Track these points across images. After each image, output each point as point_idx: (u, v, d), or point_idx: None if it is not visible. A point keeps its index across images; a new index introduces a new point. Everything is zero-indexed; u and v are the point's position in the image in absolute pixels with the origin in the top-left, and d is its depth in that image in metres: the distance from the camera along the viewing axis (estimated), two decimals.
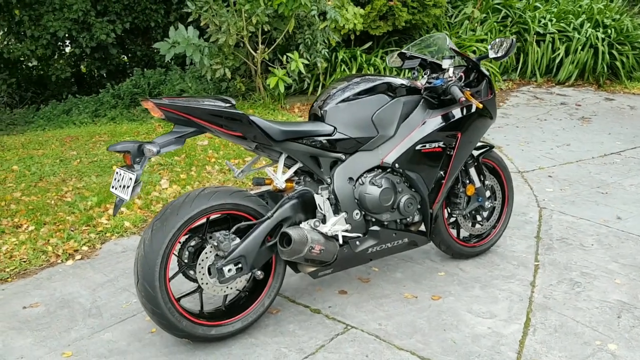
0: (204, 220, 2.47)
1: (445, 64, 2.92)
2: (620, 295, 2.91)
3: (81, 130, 6.27)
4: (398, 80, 2.83)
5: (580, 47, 8.20)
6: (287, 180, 2.68)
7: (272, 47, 6.12)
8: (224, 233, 2.45)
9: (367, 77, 2.81)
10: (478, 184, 3.16)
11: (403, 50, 3.11)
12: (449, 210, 3.19)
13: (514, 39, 2.77)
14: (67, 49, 10.53)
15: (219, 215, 2.55)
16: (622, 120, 6.68)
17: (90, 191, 4.17)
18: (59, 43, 10.00)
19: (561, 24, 8.39)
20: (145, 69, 8.26)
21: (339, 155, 2.68)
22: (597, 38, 8.17)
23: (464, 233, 3.32)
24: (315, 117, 2.75)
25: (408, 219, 2.90)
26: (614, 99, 7.75)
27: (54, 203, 3.98)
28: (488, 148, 3.22)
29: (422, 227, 3.02)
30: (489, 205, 3.24)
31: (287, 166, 2.64)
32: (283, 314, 2.77)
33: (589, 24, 8.35)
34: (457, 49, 2.91)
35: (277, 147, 2.51)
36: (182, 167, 4.73)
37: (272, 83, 5.64)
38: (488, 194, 3.28)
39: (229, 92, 6.52)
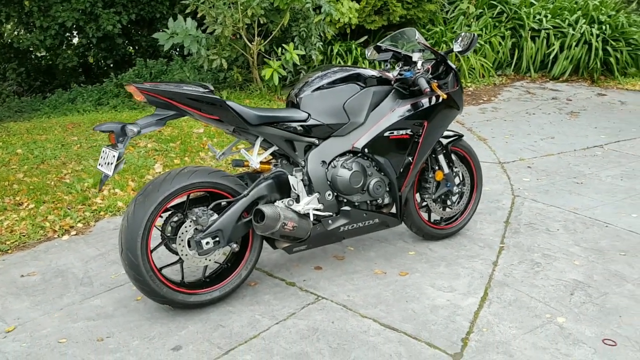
0: (184, 197, 2.70)
1: (415, 57, 3.12)
2: (577, 275, 3.12)
3: (84, 117, 6.53)
4: (369, 72, 3.04)
5: (574, 43, 8.34)
6: (264, 163, 2.91)
7: (268, 40, 6.34)
8: (203, 209, 2.68)
9: (340, 67, 3.03)
10: (447, 170, 3.37)
11: (378, 44, 3.32)
12: (420, 194, 3.41)
13: (475, 34, 2.97)
14: (75, 40, 10.80)
15: (201, 193, 2.78)
16: (611, 115, 6.84)
17: (88, 174, 4.42)
18: (67, 33, 10.26)
19: (556, 20, 8.54)
20: (148, 60, 8.50)
21: (313, 140, 2.90)
22: (592, 34, 8.31)
23: (435, 216, 3.53)
24: (291, 104, 2.97)
25: (378, 201, 3.11)
26: (606, 95, 7.90)
27: (53, 184, 4.23)
28: (457, 137, 3.43)
29: (394, 210, 3.24)
30: (457, 191, 3.45)
31: (265, 149, 2.87)
32: (260, 286, 3.00)
33: (584, 20, 8.49)
34: (425, 43, 3.11)
35: (253, 130, 2.74)
36: (176, 152, 4.97)
37: (267, 74, 5.86)
38: (457, 180, 3.49)
39: (226, 83, 6.76)
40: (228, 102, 2.65)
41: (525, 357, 2.43)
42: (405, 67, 3.19)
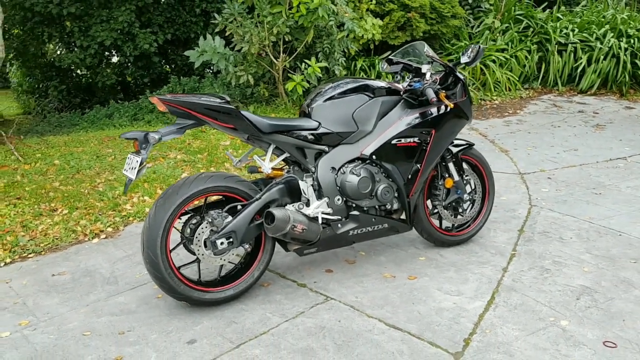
0: (202, 200, 2.88)
1: (424, 68, 3.25)
2: (585, 281, 3.16)
3: (119, 131, 6.84)
4: (378, 83, 3.19)
5: (602, 57, 8.32)
6: (277, 169, 3.08)
7: (293, 56, 6.56)
8: (218, 211, 2.86)
9: (350, 79, 3.19)
10: (457, 177, 3.46)
11: (390, 57, 3.47)
12: (430, 201, 3.51)
13: (481, 47, 3.09)
14: (114, 59, 11.27)
15: (217, 197, 2.96)
16: (637, 128, 6.79)
17: (120, 183, 4.66)
18: (106, 52, 10.72)
19: (583, 34, 8.53)
20: (182, 77, 8.83)
21: (323, 147, 3.05)
22: (620, 48, 8.28)
23: (446, 223, 3.63)
24: (303, 114, 3.14)
25: (387, 206, 3.24)
26: (634, 108, 7.84)
27: (87, 192, 4.49)
28: (467, 145, 3.53)
29: (404, 216, 3.36)
30: (468, 198, 3.54)
31: (277, 155, 3.03)
32: (273, 287, 3.14)
33: (612, 34, 8.46)
34: (434, 55, 3.24)
35: (266, 138, 2.91)
36: (203, 163, 5.19)
37: (290, 87, 6.07)
38: (469, 188, 3.59)
39: (253, 98, 6.99)
40: (242, 112, 2.83)
41: (525, 357, 2.50)
42: (415, 79, 3.32)
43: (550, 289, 3.09)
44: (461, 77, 3.31)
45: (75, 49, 10.20)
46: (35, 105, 11.77)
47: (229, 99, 2.85)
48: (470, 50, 3.17)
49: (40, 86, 11.80)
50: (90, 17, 9.82)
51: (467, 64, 3.16)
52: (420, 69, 3.30)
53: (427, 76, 3.23)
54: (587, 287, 3.10)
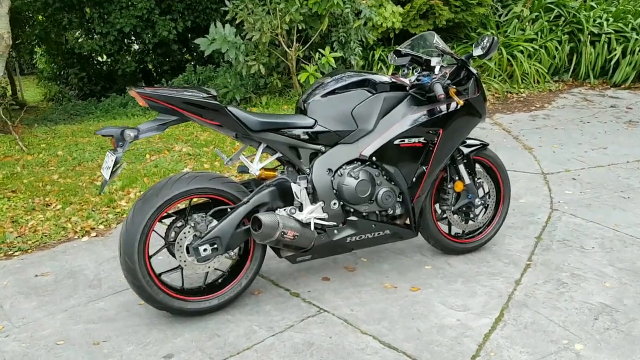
0: (186, 202, 2.67)
1: (433, 62, 2.97)
2: (605, 298, 2.87)
3: (130, 121, 6.70)
4: (381, 77, 2.92)
5: (638, 48, 7.84)
6: (270, 169, 2.85)
7: (307, 45, 6.30)
8: (202, 215, 2.64)
9: (351, 72, 2.93)
10: (467, 180, 3.18)
11: (398, 48, 3.19)
12: (439, 205, 3.24)
13: (495, 38, 2.80)
14: (135, 46, 11.18)
15: (205, 199, 2.75)
16: None
17: (119, 177, 4.50)
18: (126, 40, 10.63)
19: (619, 24, 8.06)
20: (197, 66, 8.66)
21: (319, 147, 2.81)
22: None
23: (456, 229, 3.35)
24: (299, 110, 2.90)
25: (389, 211, 2.98)
26: None
27: (84, 185, 4.34)
28: (481, 146, 3.24)
29: (408, 221, 3.10)
30: (480, 203, 3.26)
31: (270, 155, 2.80)
32: (264, 296, 2.93)
33: None
34: (445, 47, 2.96)
35: (255, 136, 2.68)
36: (207, 157, 5.00)
37: (303, 78, 5.83)
38: (481, 191, 3.30)
39: (267, 89, 6.77)
40: (229, 108, 2.61)
41: None
42: (424, 73, 3.04)
43: (566, 306, 2.80)
44: (474, 71, 3.02)
45: (95, 36, 10.15)
46: (57, 92, 11.79)
47: (215, 93, 2.63)
48: (484, 40, 2.88)
49: (62, 73, 11.81)
50: (110, 4, 9.73)
51: (480, 56, 2.88)
52: (429, 61, 3.03)
53: (437, 70, 2.95)
54: (608, 305, 2.80)
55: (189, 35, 10.94)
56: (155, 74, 11.84)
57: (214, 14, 10.28)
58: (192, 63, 9.67)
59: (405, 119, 2.89)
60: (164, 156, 4.99)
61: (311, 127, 2.78)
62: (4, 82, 5.79)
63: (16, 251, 3.45)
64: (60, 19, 9.97)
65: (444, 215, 3.28)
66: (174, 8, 10.14)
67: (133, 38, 10.68)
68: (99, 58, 11.37)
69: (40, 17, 10.74)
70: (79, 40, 10.26)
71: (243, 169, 2.89)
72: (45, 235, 3.60)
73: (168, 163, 4.78)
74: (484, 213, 3.34)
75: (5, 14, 5.33)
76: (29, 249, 3.47)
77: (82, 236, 3.65)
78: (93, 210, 3.92)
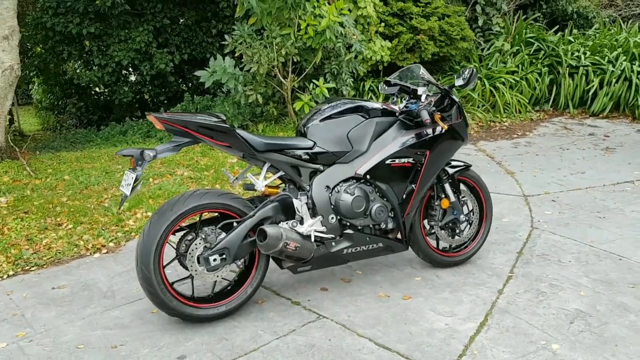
0: (197, 216, 2.93)
1: (420, 90, 3.29)
2: (580, 305, 3.14)
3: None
4: (373, 104, 3.24)
5: (614, 80, 8.28)
6: (272, 186, 3.12)
7: (301, 76, 6.65)
8: (212, 228, 2.90)
9: (346, 100, 3.25)
10: (453, 198, 3.48)
11: (387, 78, 3.52)
12: (427, 221, 3.53)
13: (474, 70, 3.13)
14: (132, 77, 11.51)
15: (214, 214, 3.01)
16: None
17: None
18: (123, 71, 10.96)
19: (595, 57, 8.52)
20: (195, 96, 8.98)
21: (318, 166, 3.10)
22: (632, 71, 8.24)
23: (444, 244, 3.63)
24: (300, 133, 3.19)
25: (382, 225, 3.26)
26: None
27: (92, 207, 4.58)
28: (464, 167, 3.55)
29: (400, 235, 3.37)
30: (464, 219, 3.54)
31: (273, 173, 3.08)
32: (266, 304, 3.17)
33: (624, 57, 8.43)
34: (430, 78, 3.29)
35: (260, 156, 2.96)
36: (209, 180, 5.27)
37: (298, 107, 6.16)
38: (466, 209, 3.59)
39: (263, 117, 7.10)
40: (237, 131, 2.89)
41: None
42: (412, 100, 3.36)
43: (544, 312, 3.07)
44: (456, 99, 3.35)
45: (94, 68, 10.45)
46: (55, 122, 12.04)
47: (224, 117, 2.92)
48: (465, 72, 3.21)
49: (60, 103, 12.09)
50: (109, 37, 10.07)
51: (461, 86, 3.20)
52: (416, 90, 3.34)
53: (423, 98, 3.27)
54: (582, 311, 3.07)
55: (186, 67, 11.30)
56: (151, 104, 12.15)
57: (209, 47, 10.66)
58: (189, 93, 9.97)
59: (395, 141, 3.20)
60: (167, 180, 5.25)
61: (311, 149, 3.07)
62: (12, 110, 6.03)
63: (32, 266, 3.67)
64: (60, 51, 10.29)
65: (432, 231, 3.55)
66: (171, 41, 10.50)
67: (131, 70, 11.00)
68: (97, 89, 11.66)
69: (38, 49, 11.07)
70: (78, 72, 10.57)
71: (248, 187, 3.15)
72: (59, 252, 3.82)
73: (171, 186, 5.04)
74: (469, 228, 3.63)
75: (15, 46, 5.63)
76: (44, 265, 3.70)
77: (94, 253, 3.88)
78: (103, 229, 4.16)
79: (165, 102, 11.64)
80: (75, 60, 10.85)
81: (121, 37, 10.04)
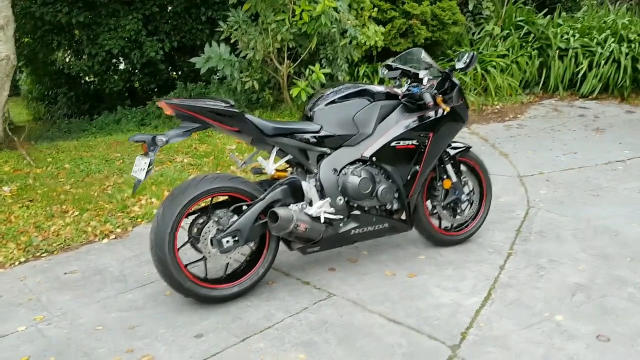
0: (208, 200, 3.00)
1: (422, 74, 3.37)
2: (580, 278, 3.25)
3: (127, 136, 6.98)
4: (377, 88, 3.31)
5: (603, 62, 8.40)
6: (280, 170, 3.20)
7: (297, 62, 6.69)
8: (224, 211, 2.98)
9: (350, 84, 3.32)
10: (454, 179, 3.57)
11: (389, 63, 3.59)
12: (430, 201, 3.62)
13: (474, 53, 3.22)
14: (122, 66, 11.45)
15: (223, 197, 3.08)
16: (637, 131, 6.86)
17: (128, 186, 4.80)
18: (113, 60, 10.90)
19: (584, 39, 8.63)
20: (188, 83, 8.98)
21: (325, 149, 3.17)
22: (621, 52, 8.36)
23: (446, 223, 3.73)
24: (306, 118, 3.26)
25: (388, 206, 3.35)
26: (635, 112, 7.91)
27: (96, 194, 4.63)
28: (465, 148, 3.64)
29: (404, 216, 3.47)
30: (466, 199, 3.64)
31: (281, 157, 3.15)
32: (277, 285, 3.26)
33: (612, 39, 8.55)
34: (431, 61, 3.37)
35: (269, 140, 3.03)
36: (209, 167, 5.32)
37: (295, 93, 6.22)
38: (467, 189, 3.69)
39: (259, 103, 7.14)
40: (247, 115, 2.96)
41: (519, 350, 2.60)
42: (414, 84, 3.43)
43: (546, 285, 3.18)
44: (457, 82, 3.43)
45: (84, 57, 10.39)
46: (45, 112, 11.97)
47: (233, 102, 2.97)
48: (465, 56, 3.29)
49: (50, 93, 12.00)
50: (99, 26, 10.00)
51: (462, 69, 3.29)
52: (418, 74, 3.42)
53: (425, 81, 3.34)
54: (582, 284, 3.19)
55: (176, 55, 11.26)
56: (141, 93, 12.10)
57: (199, 34, 10.62)
58: (180, 81, 9.96)
59: (399, 124, 3.28)
60: (168, 167, 5.30)
61: (318, 132, 3.14)
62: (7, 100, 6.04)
63: (43, 253, 3.72)
64: (50, 40, 10.21)
65: (435, 211, 3.65)
66: (160, 29, 10.44)
67: (121, 58, 10.94)
68: (87, 78, 11.59)
69: (27, 39, 10.96)
70: (68, 61, 10.50)
71: (257, 171, 3.23)
72: (68, 239, 3.88)
73: (173, 172, 5.09)
74: (470, 208, 3.73)
75: (11, 36, 5.61)
76: (54, 251, 3.75)
77: (102, 239, 3.94)
78: (109, 216, 4.21)
79: (156, 90, 11.60)
80: (64, 49, 10.77)
81: (111, 25, 9.97)
